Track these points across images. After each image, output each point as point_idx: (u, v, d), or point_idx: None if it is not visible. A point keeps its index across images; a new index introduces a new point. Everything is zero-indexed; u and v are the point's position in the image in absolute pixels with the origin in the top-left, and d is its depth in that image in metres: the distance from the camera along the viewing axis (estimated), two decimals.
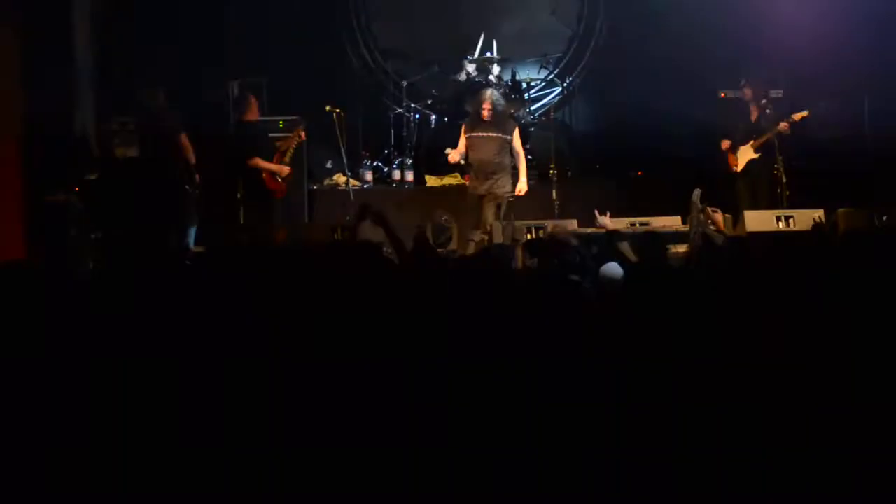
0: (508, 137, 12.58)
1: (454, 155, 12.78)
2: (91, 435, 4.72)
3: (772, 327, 5.02)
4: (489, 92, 12.88)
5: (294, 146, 12.86)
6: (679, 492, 4.30)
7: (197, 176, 12.71)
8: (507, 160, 12.61)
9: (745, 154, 13.28)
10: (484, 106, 12.53)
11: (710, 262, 8.08)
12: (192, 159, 12.68)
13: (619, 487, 4.33)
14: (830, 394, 4.63)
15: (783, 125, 12.92)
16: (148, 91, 12.82)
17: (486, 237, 11.77)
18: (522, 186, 12.62)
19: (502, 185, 12.52)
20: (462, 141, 12.70)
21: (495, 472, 4.23)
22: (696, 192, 9.28)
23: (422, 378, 5.08)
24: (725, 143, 13.43)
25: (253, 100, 12.82)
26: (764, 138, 13.08)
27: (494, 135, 12.52)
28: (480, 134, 12.55)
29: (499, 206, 12.46)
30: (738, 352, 5.00)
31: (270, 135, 13.12)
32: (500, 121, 12.64)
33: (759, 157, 13.17)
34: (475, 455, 4.39)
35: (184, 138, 12.61)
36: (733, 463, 4.21)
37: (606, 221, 10.24)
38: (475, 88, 14.32)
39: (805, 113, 12.90)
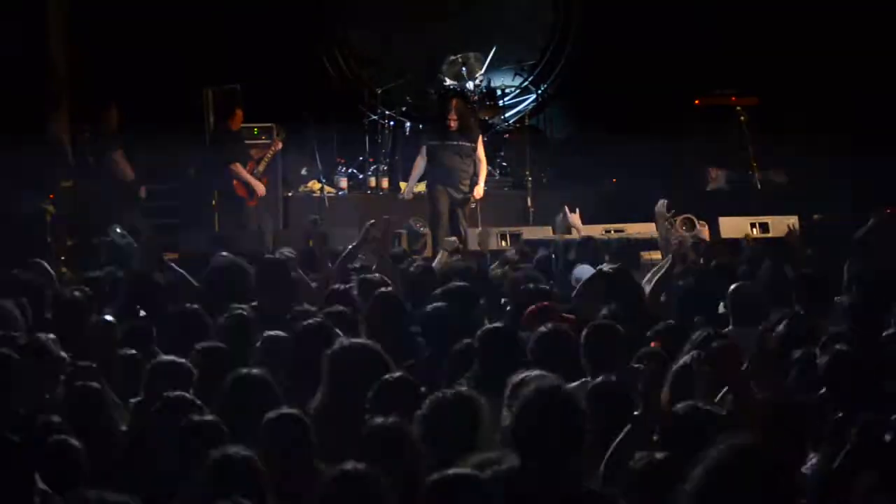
0: (474, 145, 12.57)
1: (407, 193, 12.80)
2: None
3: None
4: (455, 101, 12.85)
5: (270, 156, 12.88)
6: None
7: (142, 188, 12.71)
8: (472, 168, 12.58)
9: (720, 180, 13.30)
10: (451, 117, 12.47)
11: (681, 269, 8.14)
12: (129, 175, 12.68)
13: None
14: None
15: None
16: (102, 107, 12.87)
17: (458, 244, 11.72)
18: (479, 191, 12.62)
19: (466, 191, 12.52)
20: (423, 149, 12.63)
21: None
22: (662, 203, 9.30)
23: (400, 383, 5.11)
24: (714, 172, 13.44)
25: (238, 109, 12.84)
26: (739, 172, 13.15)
27: (460, 143, 12.48)
28: (446, 142, 12.50)
29: (464, 212, 12.46)
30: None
31: (247, 142, 13.17)
32: (466, 128, 12.61)
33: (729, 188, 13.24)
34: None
35: (117, 155, 12.63)
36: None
37: (575, 219, 10.28)
38: (443, 96, 14.32)
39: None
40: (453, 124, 12.44)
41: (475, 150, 12.57)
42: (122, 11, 14.07)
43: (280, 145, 13.06)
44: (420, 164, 12.63)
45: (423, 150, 12.61)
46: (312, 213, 13.60)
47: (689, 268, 8.40)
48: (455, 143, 12.45)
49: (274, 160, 13.18)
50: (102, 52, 13.88)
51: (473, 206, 12.62)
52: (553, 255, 8.97)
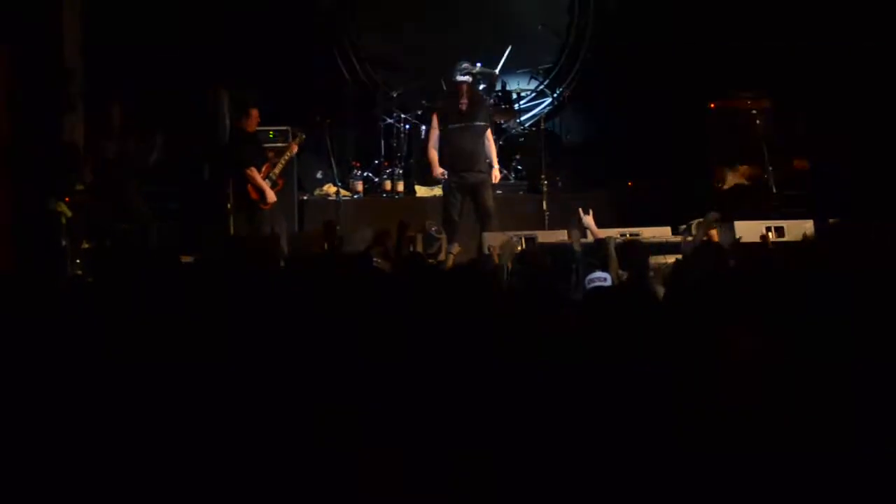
0: (485, 124, 12.64)
1: (437, 170, 12.79)
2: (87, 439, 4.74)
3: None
4: (465, 85, 12.89)
5: (287, 159, 12.90)
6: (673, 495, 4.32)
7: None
8: (485, 149, 12.67)
9: (735, 177, 13.26)
10: (462, 101, 12.56)
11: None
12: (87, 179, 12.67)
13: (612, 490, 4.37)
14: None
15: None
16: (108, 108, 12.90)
17: (460, 248, 11.73)
18: (496, 174, 12.73)
19: (484, 173, 12.56)
20: (434, 134, 12.69)
21: (482, 473, 4.25)
22: (713, 215, 9.45)
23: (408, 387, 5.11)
24: (726, 173, 13.39)
25: (254, 111, 12.86)
26: (758, 172, 13.11)
27: (473, 123, 12.54)
28: (458, 125, 12.54)
29: (486, 194, 12.49)
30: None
31: (265, 145, 13.22)
32: (477, 109, 12.67)
33: (749, 184, 13.22)
34: (466, 456, 4.42)
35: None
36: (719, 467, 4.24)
37: (590, 221, 10.27)
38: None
39: (805, 164, 12.94)
40: (464, 106, 12.50)
41: (486, 129, 12.66)
42: (136, 13, 14.10)
43: (296, 148, 13.09)
44: (432, 150, 12.66)
45: (434, 137, 12.64)
46: (328, 216, 13.64)
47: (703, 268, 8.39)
48: (467, 124, 12.51)
49: (290, 163, 13.21)
50: (117, 54, 13.90)
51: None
52: (574, 266, 8.94)
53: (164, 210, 13.39)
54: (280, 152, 12.99)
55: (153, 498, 4.35)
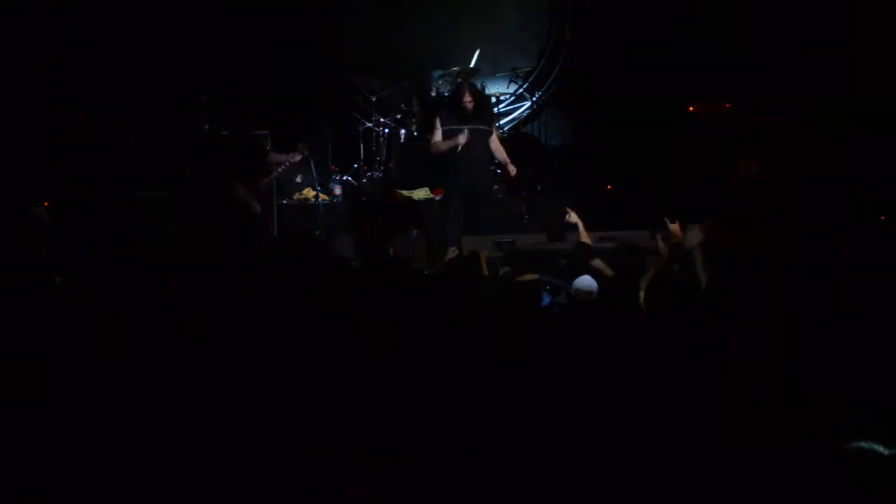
0: (490, 129, 12.49)
1: (451, 142, 12.49)
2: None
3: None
4: (469, 84, 12.78)
5: (282, 170, 12.79)
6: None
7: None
8: (489, 154, 12.51)
9: (758, 166, 13.28)
10: (466, 99, 12.35)
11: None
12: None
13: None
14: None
15: None
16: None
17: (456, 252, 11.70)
18: (513, 169, 12.58)
19: (489, 179, 12.46)
20: (439, 135, 12.53)
21: (460, 473, 4.28)
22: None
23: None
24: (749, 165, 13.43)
25: (246, 125, 12.73)
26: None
27: (478, 127, 12.37)
28: (463, 126, 12.37)
29: (485, 205, 12.43)
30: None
31: (268, 149, 13.18)
32: (482, 112, 12.51)
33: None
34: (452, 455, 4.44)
35: None
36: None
37: (576, 218, 10.30)
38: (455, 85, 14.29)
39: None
40: (469, 105, 12.29)
41: (491, 134, 12.49)
42: (118, 16, 14.09)
43: (297, 159, 12.85)
44: (438, 135, 12.47)
45: (438, 133, 12.48)
46: (307, 220, 13.64)
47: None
48: (472, 126, 12.33)
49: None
50: (100, 58, 13.89)
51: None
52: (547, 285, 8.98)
53: (152, 213, 13.36)
54: (277, 158, 12.86)
55: (147, 496, 4.36)
